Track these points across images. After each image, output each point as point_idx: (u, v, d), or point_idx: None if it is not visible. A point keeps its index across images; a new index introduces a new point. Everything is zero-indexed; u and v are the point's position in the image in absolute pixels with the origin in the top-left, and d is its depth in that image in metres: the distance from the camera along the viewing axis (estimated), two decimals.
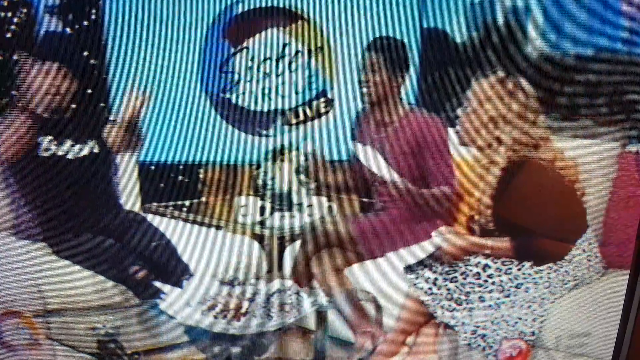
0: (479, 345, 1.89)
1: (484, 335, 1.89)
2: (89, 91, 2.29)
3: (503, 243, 1.95)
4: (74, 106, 2.25)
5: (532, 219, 1.93)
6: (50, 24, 2.34)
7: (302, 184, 2.54)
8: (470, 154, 2.27)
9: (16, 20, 2.29)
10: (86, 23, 2.42)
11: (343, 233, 2.27)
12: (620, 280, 1.91)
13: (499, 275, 1.94)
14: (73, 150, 2.22)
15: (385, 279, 2.13)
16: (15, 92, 2.21)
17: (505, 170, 1.93)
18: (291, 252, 2.39)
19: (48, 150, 2.17)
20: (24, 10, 2.31)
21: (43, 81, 2.17)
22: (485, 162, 1.96)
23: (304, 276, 2.30)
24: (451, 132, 2.16)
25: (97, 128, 2.29)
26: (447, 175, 2.19)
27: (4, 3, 2.24)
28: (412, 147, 2.20)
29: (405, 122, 2.23)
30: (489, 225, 1.98)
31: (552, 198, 1.95)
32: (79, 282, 2.04)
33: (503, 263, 1.95)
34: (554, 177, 1.95)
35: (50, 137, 2.18)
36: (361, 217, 2.36)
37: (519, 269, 1.94)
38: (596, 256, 1.99)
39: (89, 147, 2.26)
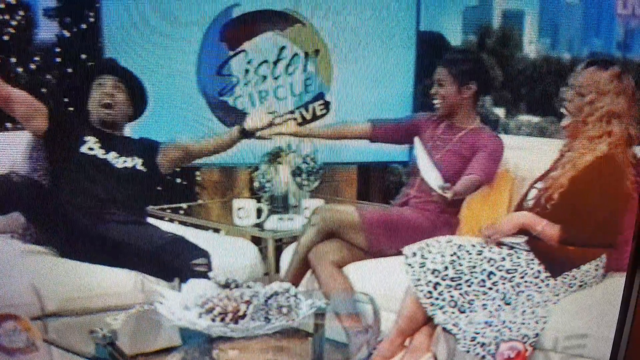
0: (477, 353, 1.89)
1: (483, 344, 1.89)
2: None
3: (553, 229, 1.96)
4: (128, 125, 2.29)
5: (586, 216, 1.95)
6: (47, 26, 2.34)
7: (300, 186, 2.54)
8: None
9: (14, 23, 2.29)
10: (84, 26, 2.42)
11: (349, 220, 2.27)
12: (617, 282, 1.91)
13: (503, 283, 1.94)
14: (117, 160, 2.23)
15: (383, 280, 2.13)
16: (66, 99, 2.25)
17: (598, 159, 1.94)
18: (288, 254, 2.39)
19: (91, 149, 2.19)
20: (21, 13, 2.31)
21: (98, 92, 2.22)
22: (586, 149, 1.96)
23: (300, 267, 2.29)
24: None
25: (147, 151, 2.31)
26: (479, 166, 2.22)
27: (2, 6, 2.24)
28: (470, 152, 2.25)
29: (473, 133, 2.29)
30: (549, 203, 1.97)
31: (611, 202, 1.96)
32: (80, 283, 2.03)
33: (507, 271, 1.95)
34: (622, 182, 1.95)
35: (96, 139, 2.21)
36: (372, 209, 2.37)
37: (522, 277, 1.94)
38: (603, 266, 2.00)
39: (134, 162, 2.27)
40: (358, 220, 2.27)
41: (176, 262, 2.16)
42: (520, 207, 2.11)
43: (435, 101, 2.32)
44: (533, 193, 2.06)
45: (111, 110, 2.24)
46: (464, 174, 2.23)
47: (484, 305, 1.93)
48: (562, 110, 2.05)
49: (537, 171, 2.12)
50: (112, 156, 2.23)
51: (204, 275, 1.99)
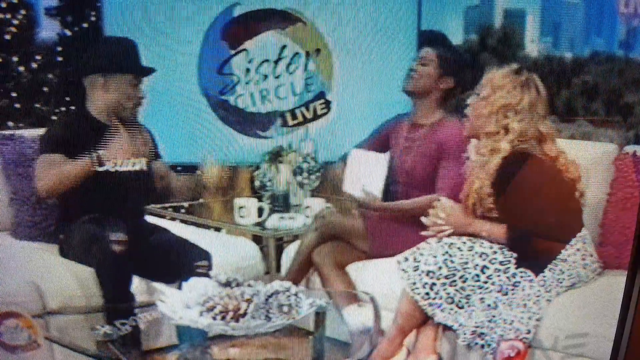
0: (477, 343, 1.89)
1: (482, 334, 1.89)
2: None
3: (499, 230, 1.98)
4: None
5: (529, 213, 1.94)
6: (49, 25, 2.35)
7: (301, 185, 2.54)
8: None
9: (15, 21, 2.30)
10: (85, 25, 2.43)
11: (354, 228, 2.27)
12: (618, 281, 1.91)
13: (498, 275, 1.94)
14: (127, 163, 2.19)
15: (383, 279, 2.13)
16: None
17: (507, 159, 1.94)
18: (289, 253, 2.39)
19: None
20: (23, 12, 2.32)
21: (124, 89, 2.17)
22: (488, 150, 1.97)
23: (303, 267, 2.29)
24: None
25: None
26: (444, 183, 2.19)
27: (4, 5, 2.25)
28: (437, 152, 2.21)
29: (436, 127, 2.24)
30: (492, 213, 1.98)
31: (550, 195, 1.95)
32: (80, 282, 2.03)
33: (501, 263, 1.95)
34: (554, 174, 1.95)
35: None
36: (376, 213, 2.33)
37: (517, 267, 1.94)
38: (591, 255, 1.99)
39: (141, 164, 2.23)
40: (363, 228, 2.27)
41: (179, 265, 2.16)
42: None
43: (412, 75, 2.26)
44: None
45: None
46: (437, 188, 2.20)
47: (481, 299, 1.93)
48: (465, 115, 2.05)
49: None
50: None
51: (204, 275, 1.99)
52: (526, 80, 1.96)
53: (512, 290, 1.92)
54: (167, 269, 2.14)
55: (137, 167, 2.22)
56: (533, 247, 1.95)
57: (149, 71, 2.22)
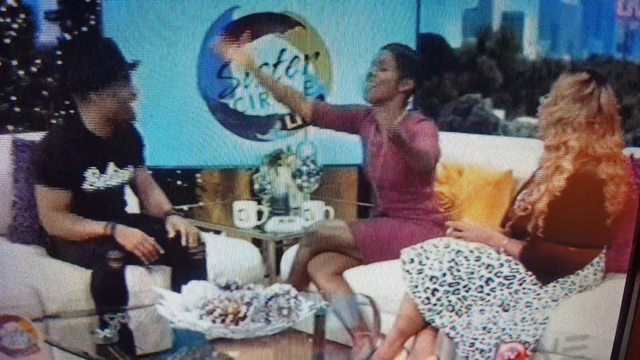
0: (477, 359, 1.89)
1: (482, 350, 1.88)
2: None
3: (515, 246, 1.95)
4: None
5: (565, 233, 1.90)
6: (49, 29, 2.35)
7: (300, 188, 2.54)
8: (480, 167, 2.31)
9: (15, 25, 2.30)
10: (84, 29, 2.43)
11: (343, 239, 2.26)
12: (618, 283, 1.90)
13: (501, 289, 1.92)
14: (116, 175, 2.18)
15: (383, 282, 2.13)
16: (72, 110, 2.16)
17: (571, 180, 1.85)
18: (289, 256, 2.39)
19: (92, 184, 2.13)
20: (22, 16, 2.32)
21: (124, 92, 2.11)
22: (551, 165, 1.89)
23: (302, 279, 2.29)
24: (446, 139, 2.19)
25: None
26: (422, 142, 2.12)
27: (3, 9, 2.25)
28: (404, 153, 2.17)
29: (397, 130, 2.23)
30: (538, 231, 1.90)
31: (592, 221, 1.90)
32: (78, 285, 2.03)
33: (506, 278, 1.94)
34: (601, 199, 1.86)
35: (94, 169, 2.13)
36: (361, 224, 2.33)
37: (520, 284, 1.93)
38: (602, 271, 1.98)
39: (129, 173, 2.22)
40: (351, 238, 2.26)
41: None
42: (506, 219, 2.09)
43: (369, 84, 2.24)
44: (516, 214, 2.04)
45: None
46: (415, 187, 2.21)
47: (481, 310, 1.92)
48: (537, 116, 1.99)
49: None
50: (110, 171, 2.17)
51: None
52: (590, 94, 1.86)
53: (514, 306, 1.91)
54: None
55: (126, 178, 2.21)
56: (545, 258, 1.94)
57: (134, 65, 2.15)
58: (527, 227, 1.94)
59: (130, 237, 2.09)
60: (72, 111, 2.28)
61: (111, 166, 2.17)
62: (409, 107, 2.28)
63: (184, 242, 2.14)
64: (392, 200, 2.28)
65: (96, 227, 2.09)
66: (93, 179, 2.13)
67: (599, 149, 1.86)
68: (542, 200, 1.90)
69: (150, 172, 2.31)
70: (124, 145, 2.20)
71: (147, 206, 2.29)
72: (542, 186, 1.91)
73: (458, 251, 1.96)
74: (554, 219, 1.89)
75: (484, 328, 1.90)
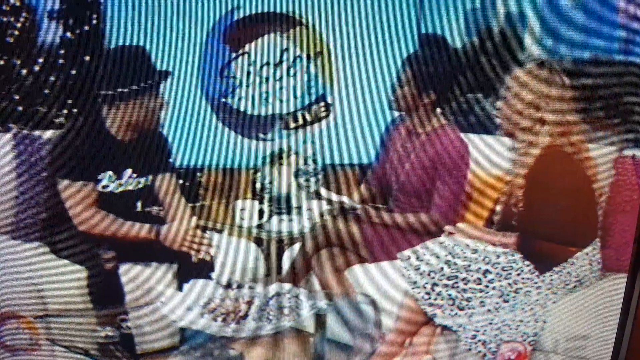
0: (479, 351, 1.89)
1: (484, 342, 1.89)
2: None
3: (509, 239, 1.99)
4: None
5: (549, 215, 1.95)
6: (51, 28, 2.36)
7: (301, 187, 2.55)
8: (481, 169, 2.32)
9: (18, 24, 2.30)
10: (87, 28, 2.44)
11: (352, 235, 2.27)
12: (618, 283, 1.91)
13: (499, 280, 1.94)
14: (131, 181, 2.16)
15: (384, 281, 2.13)
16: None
17: (546, 150, 1.95)
18: (290, 255, 2.39)
19: (104, 187, 2.12)
20: (25, 15, 2.33)
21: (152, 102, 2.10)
22: (527, 143, 1.98)
23: (302, 272, 2.29)
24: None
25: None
26: (441, 203, 2.19)
27: (6, 8, 2.26)
28: (433, 162, 2.20)
29: (432, 136, 2.23)
30: (518, 206, 1.98)
31: (573, 195, 1.97)
32: (80, 284, 2.03)
33: (503, 268, 1.96)
34: (578, 171, 1.96)
35: (110, 173, 2.11)
36: (371, 223, 2.30)
37: (518, 274, 1.95)
38: (598, 262, 2.00)
39: (146, 181, 2.21)
40: (360, 237, 2.26)
41: None
42: (489, 222, 2.13)
43: (392, 96, 2.25)
44: (499, 207, 2.08)
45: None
46: (432, 205, 2.20)
47: (482, 302, 1.94)
48: (496, 120, 2.07)
49: None
50: (126, 177, 2.16)
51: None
52: (550, 73, 1.98)
53: (514, 296, 1.93)
54: None
55: (141, 185, 2.20)
56: (541, 252, 1.96)
57: (166, 74, 2.15)
58: (512, 209, 2.00)
59: (175, 237, 2.07)
60: (74, 110, 2.30)
61: (128, 172, 2.15)
62: (439, 110, 2.28)
63: (195, 259, 2.11)
64: (410, 206, 2.28)
65: (140, 231, 2.07)
66: (107, 182, 2.12)
67: (570, 117, 1.98)
68: (520, 174, 1.98)
69: (176, 181, 2.28)
70: (146, 152, 2.18)
71: (166, 219, 2.24)
72: (518, 163, 1.99)
73: (454, 245, 1.99)
74: (532, 191, 1.97)
75: (486, 319, 1.91)
